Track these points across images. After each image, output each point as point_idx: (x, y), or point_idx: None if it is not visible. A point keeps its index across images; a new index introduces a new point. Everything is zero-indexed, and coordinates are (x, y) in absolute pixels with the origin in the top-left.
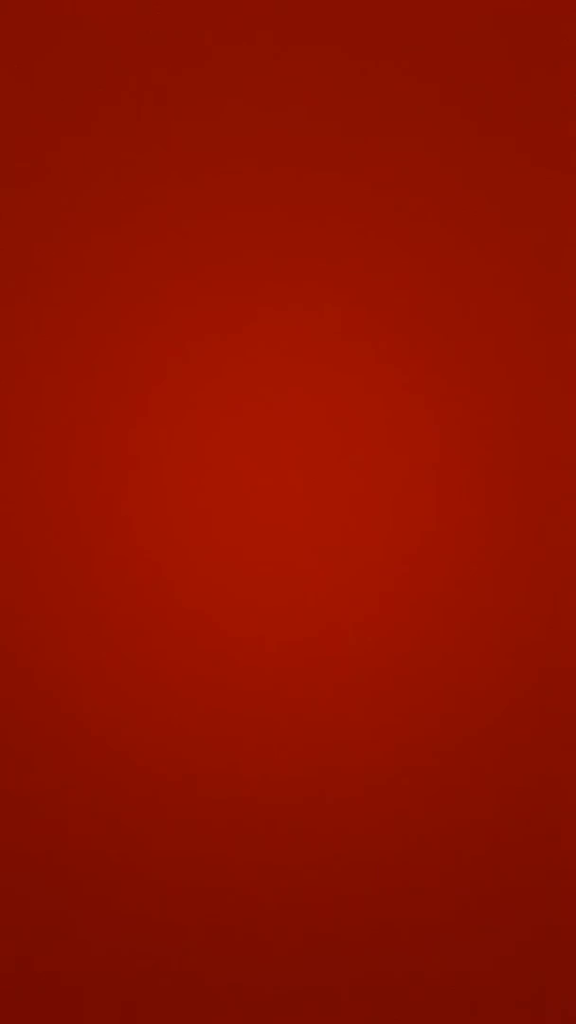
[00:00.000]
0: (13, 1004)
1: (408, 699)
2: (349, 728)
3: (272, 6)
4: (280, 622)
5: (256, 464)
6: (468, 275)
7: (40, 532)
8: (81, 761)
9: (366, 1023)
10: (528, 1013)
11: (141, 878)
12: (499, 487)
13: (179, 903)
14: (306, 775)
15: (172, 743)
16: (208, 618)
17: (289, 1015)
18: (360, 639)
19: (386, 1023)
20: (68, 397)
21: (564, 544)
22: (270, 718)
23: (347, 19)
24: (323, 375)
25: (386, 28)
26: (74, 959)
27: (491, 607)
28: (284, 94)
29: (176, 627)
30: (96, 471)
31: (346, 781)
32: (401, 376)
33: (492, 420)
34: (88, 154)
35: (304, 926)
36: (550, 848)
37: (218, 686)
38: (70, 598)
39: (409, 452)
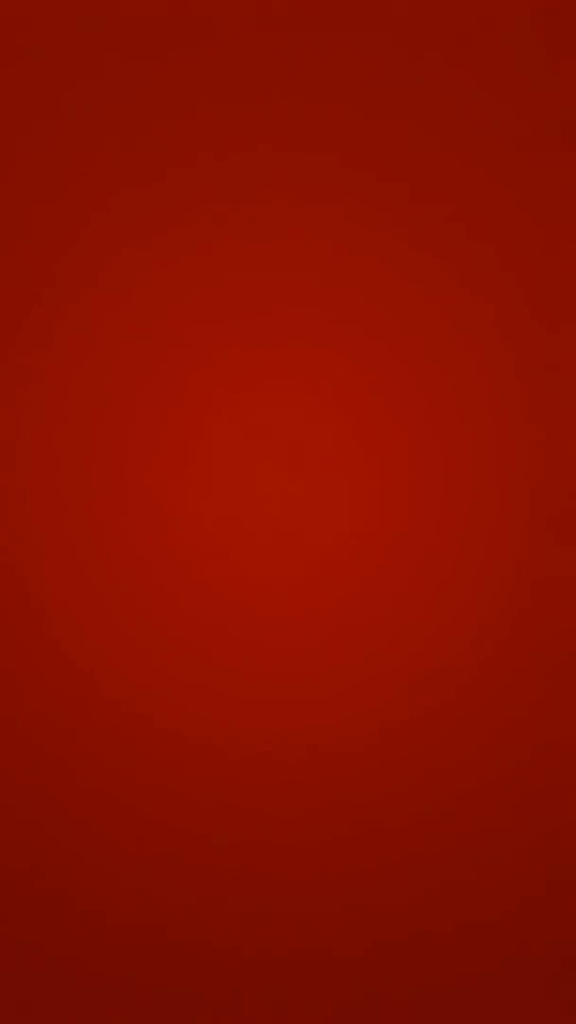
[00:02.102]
0: (12, 997)
1: (409, 699)
2: (350, 727)
3: (273, 31)
4: (280, 623)
5: (256, 461)
6: (473, 272)
7: (46, 523)
8: (87, 739)
9: (363, 1019)
10: (528, 1012)
11: (138, 869)
12: (502, 479)
13: (179, 882)
14: (306, 764)
15: (169, 729)
16: (208, 620)
17: (285, 994)
18: (361, 639)
19: (384, 1020)
20: (67, 387)
21: (566, 543)
22: (269, 721)
23: (349, 29)
24: (326, 374)
25: (386, 37)
26: (68, 919)
27: (494, 601)
28: (286, 92)
29: (176, 627)
30: (97, 466)
31: (345, 777)
32: (403, 375)
33: (494, 415)
34: (81, 137)
35: (302, 891)
36: (551, 846)
37: (217, 688)
38: (72, 595)
39: (411, 449)
